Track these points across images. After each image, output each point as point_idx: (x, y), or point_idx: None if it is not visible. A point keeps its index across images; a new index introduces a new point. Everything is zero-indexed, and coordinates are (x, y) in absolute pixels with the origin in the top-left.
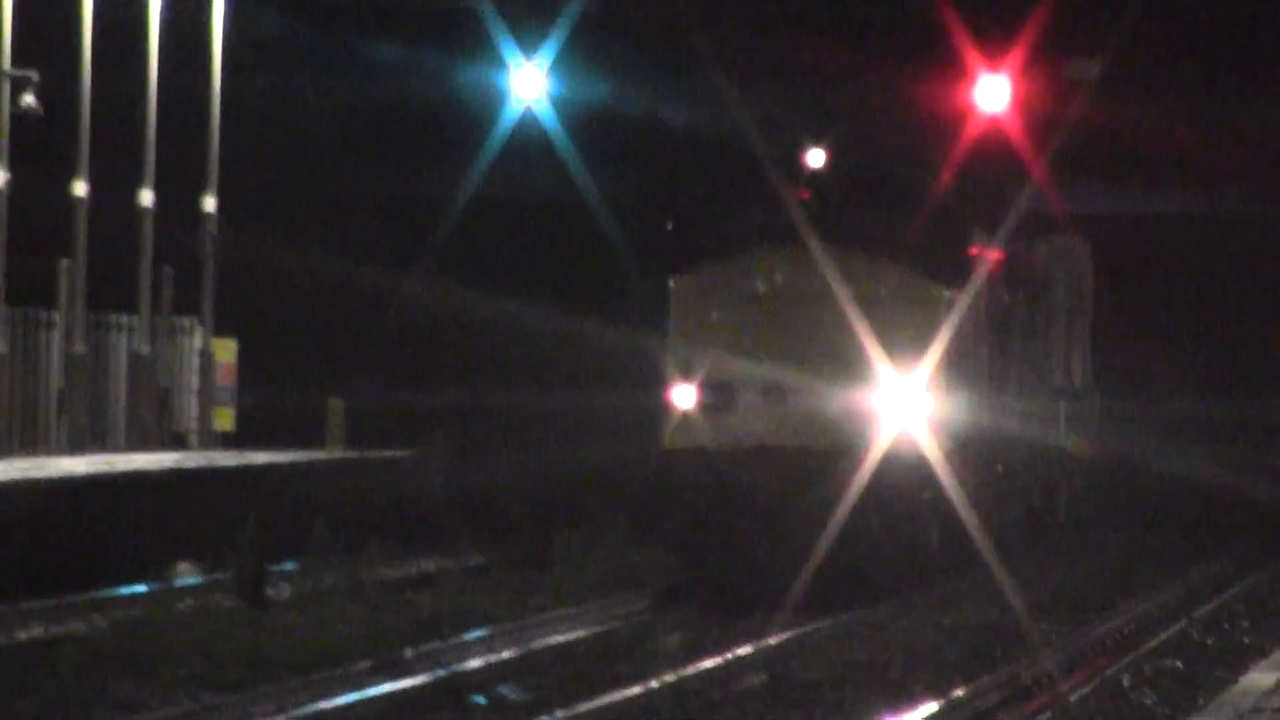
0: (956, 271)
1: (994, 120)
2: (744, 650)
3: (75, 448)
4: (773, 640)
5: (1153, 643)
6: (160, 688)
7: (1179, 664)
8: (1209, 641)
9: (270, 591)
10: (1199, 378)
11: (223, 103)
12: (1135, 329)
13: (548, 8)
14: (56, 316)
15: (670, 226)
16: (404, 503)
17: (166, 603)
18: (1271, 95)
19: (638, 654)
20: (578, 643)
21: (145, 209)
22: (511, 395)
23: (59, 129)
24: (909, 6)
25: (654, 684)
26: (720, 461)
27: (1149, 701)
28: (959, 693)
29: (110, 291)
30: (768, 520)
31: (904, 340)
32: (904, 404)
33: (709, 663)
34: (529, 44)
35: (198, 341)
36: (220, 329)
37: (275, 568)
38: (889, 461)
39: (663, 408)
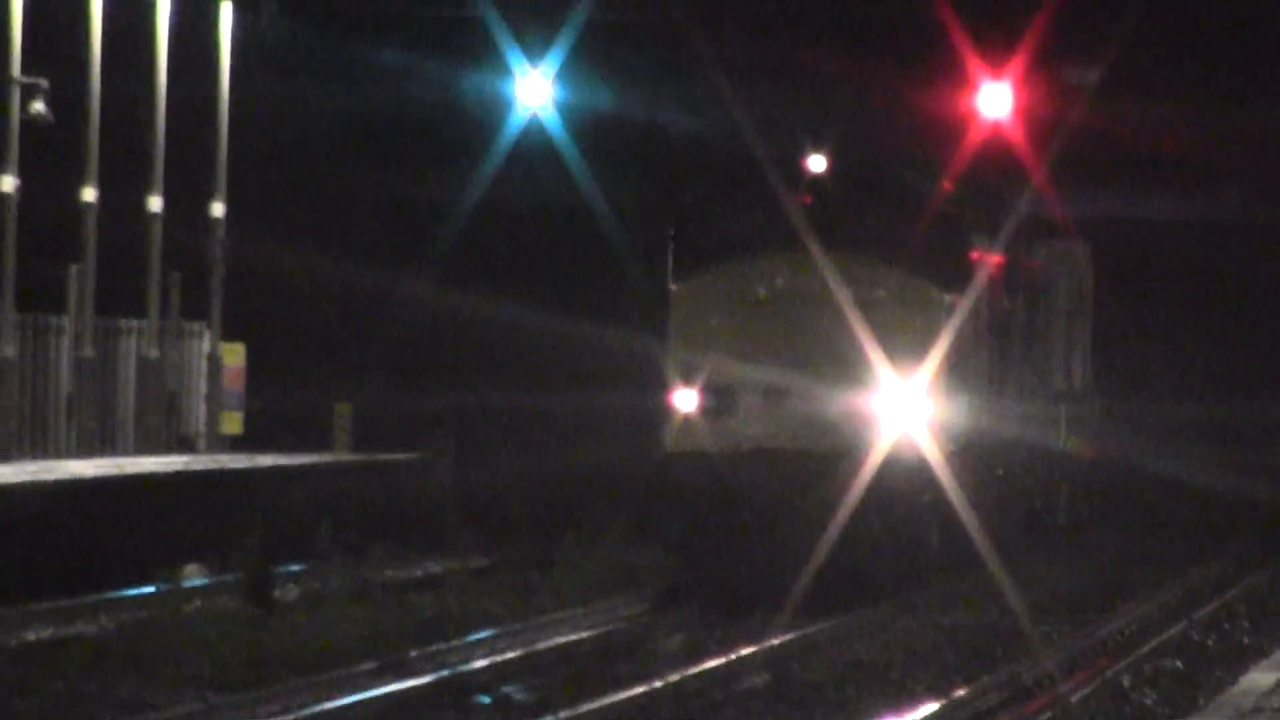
0: (957, 275)
1: (995, 126)
2: (746, 651)
3: (84, 451)
4: (774, 641)
5: (1153, 643)
6: (167, 688)
7: (1179, 664)
8: (1209, 642)
9: (276, 593)
10: (1199, 380)
11: (230, 109)
12: (1135, 332)
13: (553, 15)
14: (66, 321)
15: (671, 231)
16: (409, 505)
17: (173, 604)
18: (1269, 98)
19: (640, 655)
20: (580, 643)
21: (154, 214)
22: (515, 398)
23: (68, 135)
24: (910, 13)
25: (657, 684)
26: (721, 464)
27: (1149, 701)
28: (960, 693)
29: (119, 296)
30: (768, 523)
31: (904, 344)
32: (904, 407)
33: (711, 663)
34: (534, 51)
35: (205, 345)
36: (228, 333)
37: (281, 569)
38: (889, 464)
39: (664, 411)
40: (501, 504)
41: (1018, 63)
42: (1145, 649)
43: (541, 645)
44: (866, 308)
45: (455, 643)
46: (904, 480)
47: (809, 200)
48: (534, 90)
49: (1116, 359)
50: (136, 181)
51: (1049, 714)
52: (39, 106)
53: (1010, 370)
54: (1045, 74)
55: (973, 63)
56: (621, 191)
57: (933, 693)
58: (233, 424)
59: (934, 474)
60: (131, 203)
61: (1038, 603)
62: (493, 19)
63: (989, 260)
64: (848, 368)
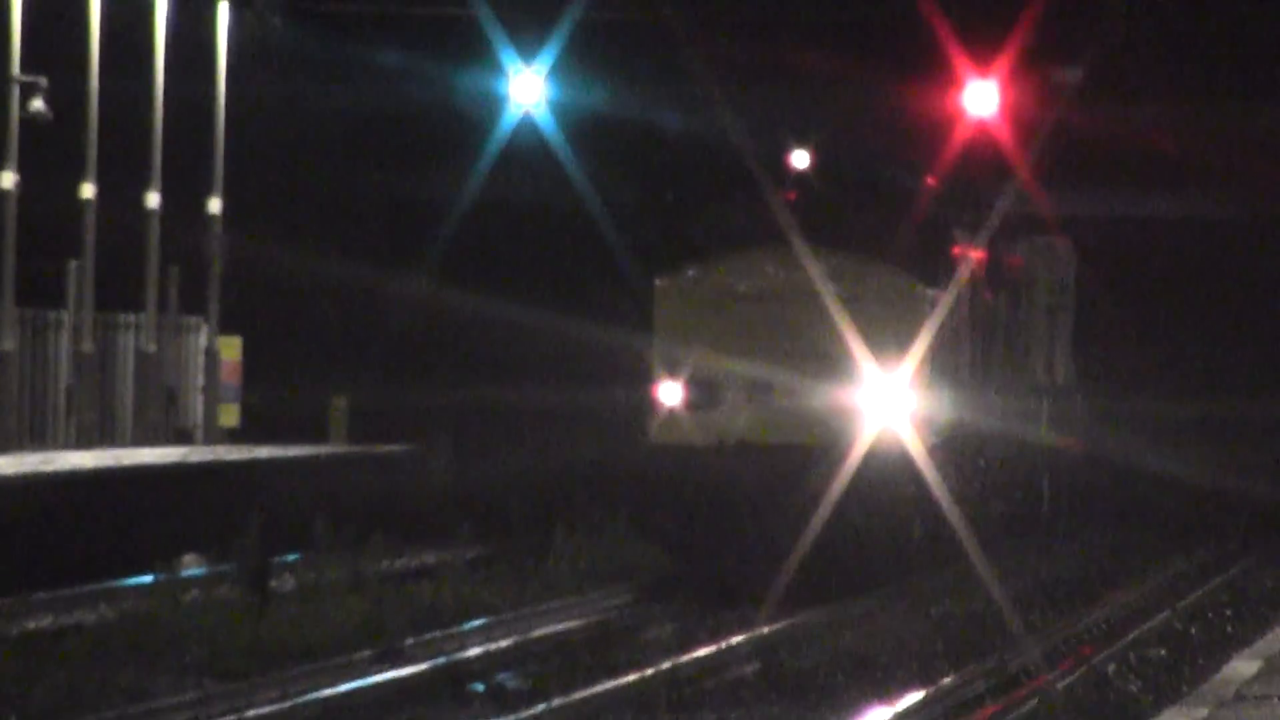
0: (940, 271)
1: (981, 124)
2: (736, 639)
3: (83, 443)
4: (764, 630)
5: (1137, 632)
6: (166, 676)
7: (1163, 653)
8: (1192, 631)
9: (274, 583)
10: (1181, 374)
11: (227, 107)
12: (1117, 327)
13: (546, 14)
14: (65, 316)
15: (655, 227)
16: (405, 497)
17: (173, 594)
18: (1252, 97)
19: (633, 643)
20: (574, 632)
21: (152, 211)
22: (509, 392)
23: (67, 133)
24: (896, 11)
25: (649, 672)
26: (706, 458)
27: (1134, 689)
28: (947, 681)
29: (118, 291)
30: (753, 516)
31: (887, 338)
32: (887, 401)
33: (702, 651)
34: (527, 50)
35: (203, 340)
36: (225, 328)
37: (279, 560)
38: (873, 457)
39: (648, 404)
40: (496, 496)
41: (1004, 61)
42: (1130, 638)
43: (535, 634)
44: (850, 302)
45: (451, 631)
46: (887, 473)
47: (793, 196)
48: (527, 89)
49: (1099, 353)
50: (135, 178)
51: (1035, 701)
52: (38, 104)
53: (992, 364)
54: (1031, 73)
55: (959, 61)
56: (614, 189)
57: (920, 681)
58: (230, 417)
59: (917, 466)
60: (130, 199)
61: (1023, 592)
62: (486, 18)
63: (971, 255)
64: (831, 362)
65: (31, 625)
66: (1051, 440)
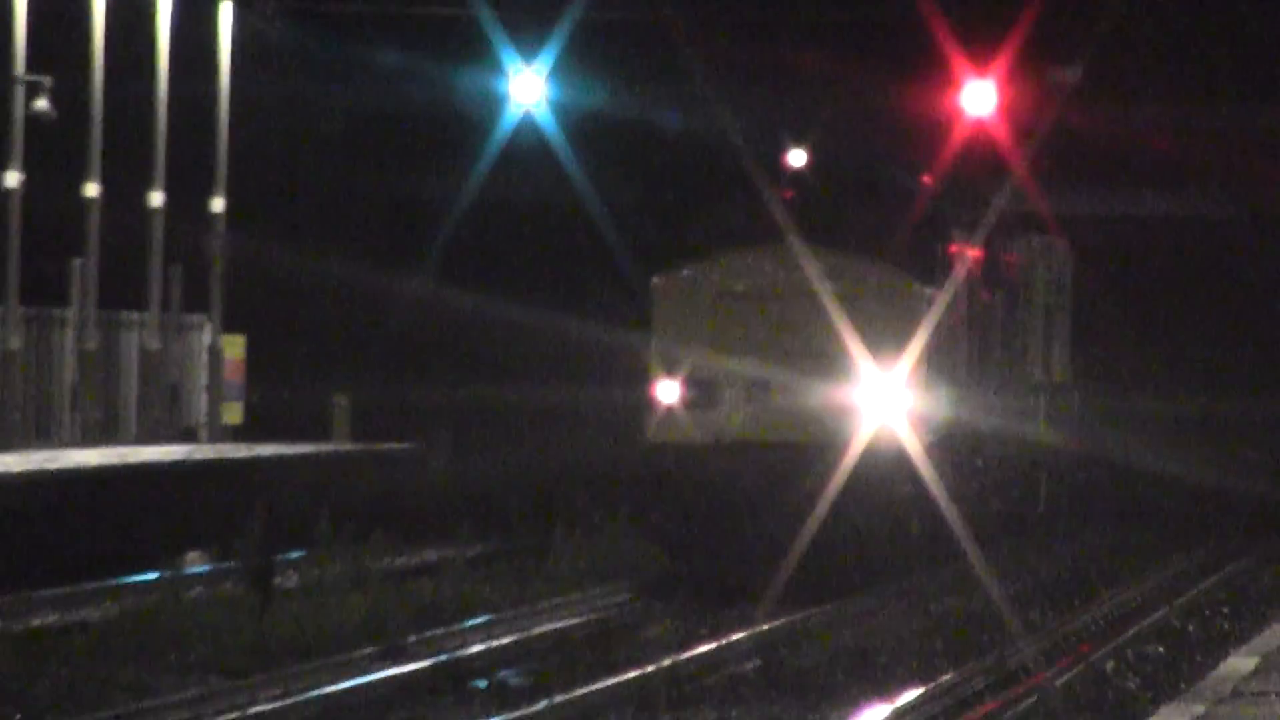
0: (937, 270)
1: (978, 123)
2: (736, 637)
3: (88, 441)
4: (764, 628)
5: (1135, 629)
6: (169, 673)
7: (1161, 650)
8: (1190, 628)
9: (277, 580)
10: (1178, 373)
11: (230, 107)
12: (1115, 326)
13: (546, 14)
14: (69, 314)
15: (653, 226)
16: (406, 494)
17: (176, 591)
18: (1247, 97)
19: (633, 640)
20: (575, 629)
21: (155, 210)
22: (509, 391)
23: (71, 132)
24: (895, 12)
25: (649, 669)
26: (703, 456)
27: (1132, 686)
28: (946, 678)
29: (121, 289)
30: (751, 514)
31: (884, 337)
32: (884, 399)
33: (702, 649)
34: (528, 49)
35: (206, 338)
36: (228, 326)
37: (282, 557)
38: (870, 455)
39: (646, 403)
40: (496, 494)
41: (1002, 61)
42: (1128, 635)
43: (536, 631)
44: (847, 301)
45: (452, 629)
46: (884, 471)
47: (790, 195)
48: (527, 88)
49: (1096, 352)
50: (138, 177)
51: (1034, 698)
52: (42, 104)
53: (989, 362)
54: (1029, 73)
55: (957, 61)
56: (612, 188)
57: (920, 678)
58: (233, 415)
59: (913, 465)
60: (133, 198)
61: (1021, 590)
62: (486, 18)
63: (968, 254)
64: (828, 360)
65: (36, 622)
66: (1048, 439)
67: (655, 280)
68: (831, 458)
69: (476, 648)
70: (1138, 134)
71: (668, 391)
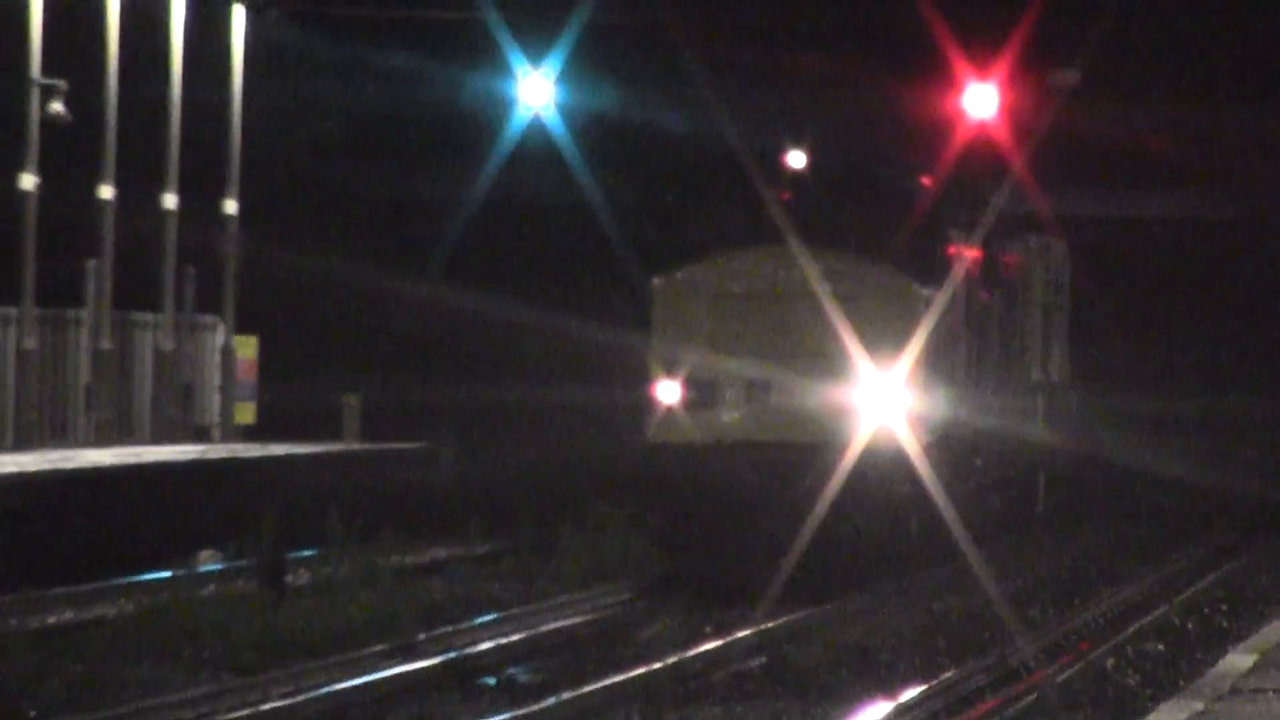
0: (935, 270)
1: (980, 126)
2: (740, 634)
3: (102, 440)
4: (767, 626)
5: (1135, 627)
6: (183, 670)
7: (1160, 647)
8: (1189, 626)
9: (288, 578)
10: (1177, 374)
11: (243, 110)
12: (1113, 326)
13: (554, 17)
14: (84, 315)
15: (654, 227)
16: (416, 493)
17: (189, 589)
18: (1246, 99)
19: (639, 638)
20: (582, 627)
21: (169, 211)
22: (516, 391)
23: (86, 135)
24: (897, 15)
25: (656, 666)
26: (703, 456)
27: (1131, 683)
28: (948, 675)
29: (135, 290)
30: (751, 513)
31: (883, 337)
32: (883, 399)
33: (707, 646)
34: (536, 52)
35: (220, 338)
36: (241, 327)
37: (293, 555)
38: (869, 455)
39: (646, 403)
40: (504, 493)
41: (1003, 64)
42: (1127, 633)
43: (544, 629)
44: (846, 302)
45: (461, 626)
46: (883, 471)
47: (789, 196)
48: (536, 91)
49: (1094, 352)
50: (152, 179)
51: (1035, 695)
52: (57, 107)
53: (987, 363)
54: (1030, 75)
55: (959, 64)
56: (614, 189)
57: (922, 675)
58: (246, 414)
59: (912, 464)
60: (148, 200)
61: (1021, 588)
62: (495, 21)
63: (967, 255)
64: (827, 361)
65: (51, 620)
66: (1047, 438)
67: (655, 281)
68: (831, 458)
69: (485, 645)
70: (1137, 135)
71: (668, 392)
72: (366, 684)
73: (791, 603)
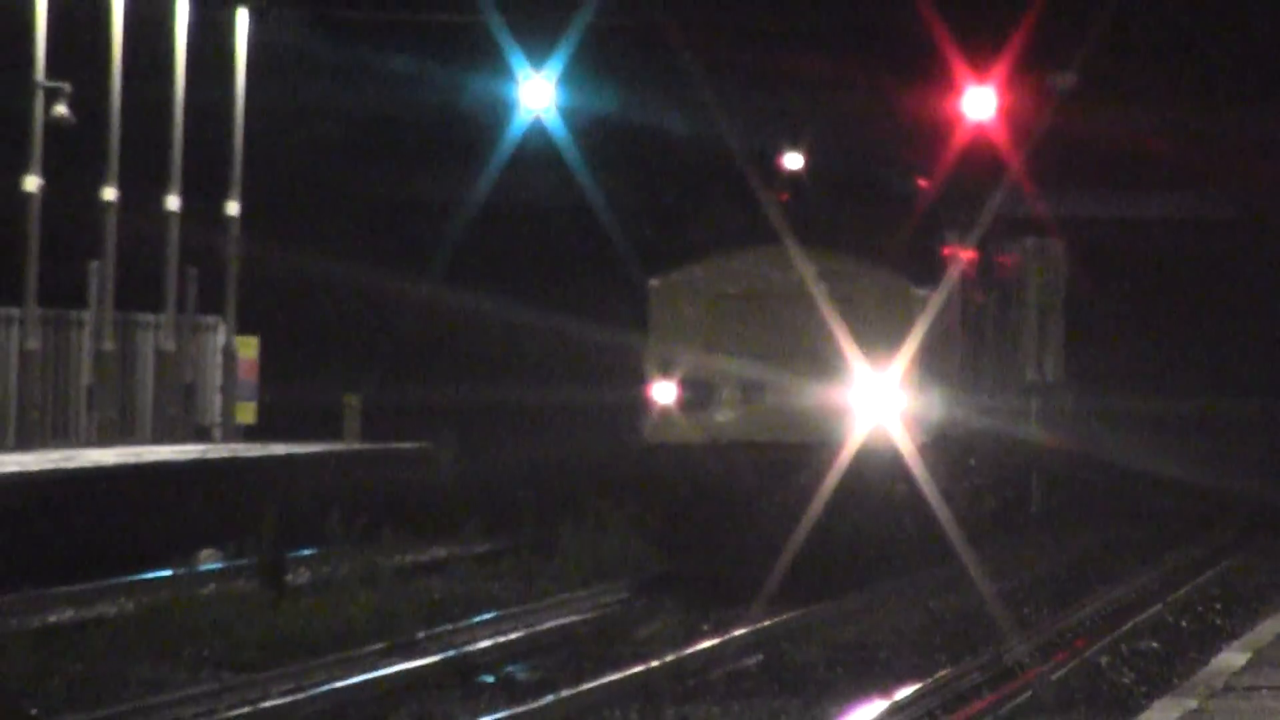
0: (931, 271)
1: (979, 128)
2: (738, 632)
3: (104, 440)
4: (765, 624)
5: (1129, 625)
6: (183, 668)
7: (1155, 645)
8: (1183, 624)
9: (289, 577)
10: (1171, 374)
11: (245, 112)
12: (1109, 327)
13: (555, 20)
14: (87, 315)
15: (650, 228)
16: (416, 493)
17: (190, 587)
18: (1242, 101)
19: (638, 636)
20: (581, 625)
21: (171, 213)
22: (515, 391)
23: (89, 137)
24: (897, 20)
25: (654, 664)
26: (699, 456)
27: (1126, 680)
28: (945, 673)
29: (138, 291)
30: (747, 513)
31: (879, 338)
32: (878, 400)
33: (705, 644)
34: (537, 55)
35: (221, 339)
36: (242, 327)
37: (294, 554)
38: (864, 456)
39: (643, 403)
40: (503, 492)
41: (1001, 66)
42: (1122, 630)
43: (543, 627)
44: (842, 302)
45: (461, 625)
46: (878, 471)
47: (786, 198)
48: (537, 93)
49: (1090, 353)
50: (155, 181)
51: (1031, 692)
52: (61, 109)
53: (983, 363)
54: (1028, 78)
55: (958, 67)
56: (620, 192)
57: (919, 673)
58: (247, 414)
59: (908, 465)
60: (150, 202)
61: (1017, 587)
62: (496, 24)
63: (963, 256)
64: (823, 361)
65: (52, 618)
66: (1042, 438)
67: (652, 282)
68: (826, 458)
69: (484, 643)
70: (1135, 136)
71: (664, 392)
72: (367, 682)
73: (789, 602)
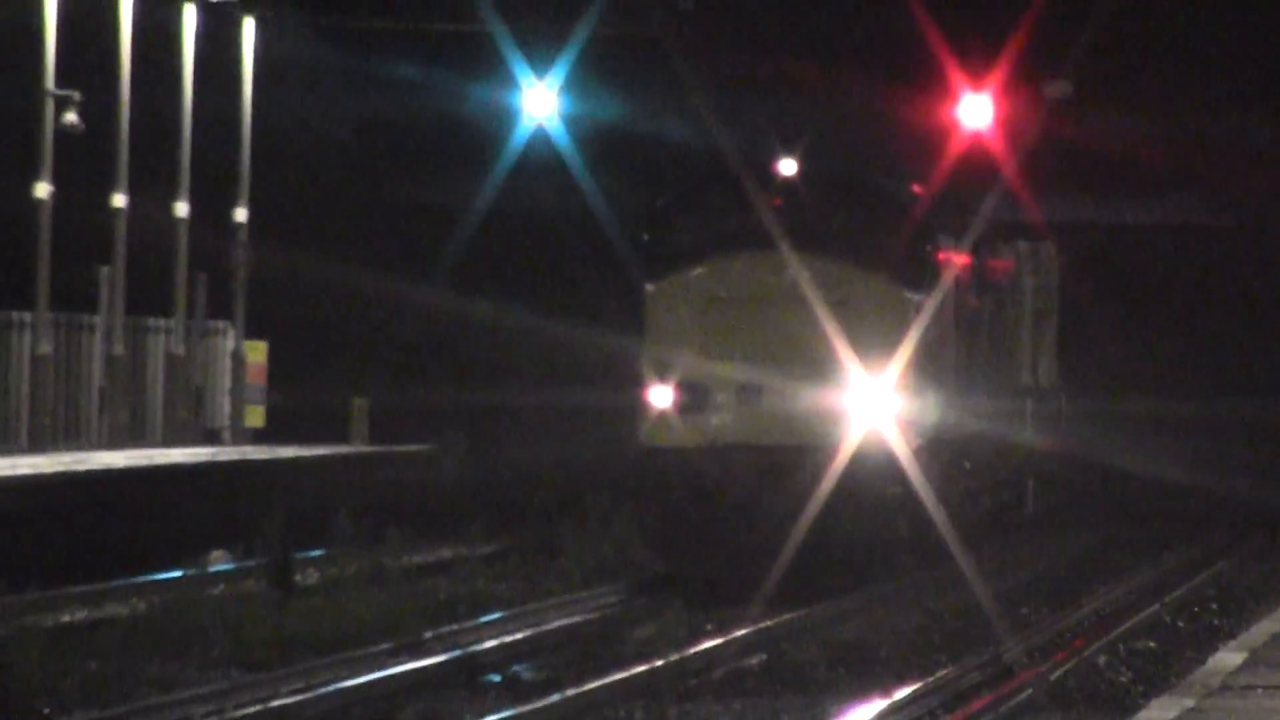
0: (924, 275)
1: (975, 135)
2: (739, 633)
3: (115, 443)
4: (766, 624)
5: (1127, 625)
6: (194, 667)
7: (1152, 645)
8: (1180, 624)
9: (297, 577)
10: (1165, 377)
11: (253, 120)
12: (1101, 330)
13: (559, 30)
14: (97, 320)
15: (646, 233)
16: (422, 494)
17: (200, 588)
18: (1233, 108)
19: (641, 636)
20: (586, 625)
21: (180, 219)
22: (521, 394)
23: (99, 145)
24: (895, 28)
25: (658, 663)
26: (695, 459)
27: (1124, 679)
28: (945, 672)
29: (148, 296)
30: (743, 515)
31: (873, 342)
32: (873, 403)
33: (708, 644)
34: (540, 64)
35: (230, 343)
36: (251, 332)
37: (302, 555)
38: (859, 459)
39: (639, 407)
40: (508, 494)
41: (998, 75)
42: (1119, 630)
43: (548, 627)
44: (836, 307)
45: (467, 624)
46: (873, 474)
47: (780, 202)
48: (540, 102)
49: (1084, 356)
50: (164, 188)
51: (1029, 691)
52: (71, 117)
53: (977, 367)
54: (1024, 86)
55: (954, 74)
56: (619, 197)
57: (917, 672)
58: (255, 418)
59: (902, 468)
60: (159, 208)
61: (1015, 588)
62: (500, 33)
63: (956, 260)
64: (818, 365)
65: (65, 618)
66: (1036, 441)
67: (648, 286)
68: (821, 461)
69: (490, 643)
70: (1128, 142)
71: (660, 395)
72: (374, 681)
73: (789, 602)
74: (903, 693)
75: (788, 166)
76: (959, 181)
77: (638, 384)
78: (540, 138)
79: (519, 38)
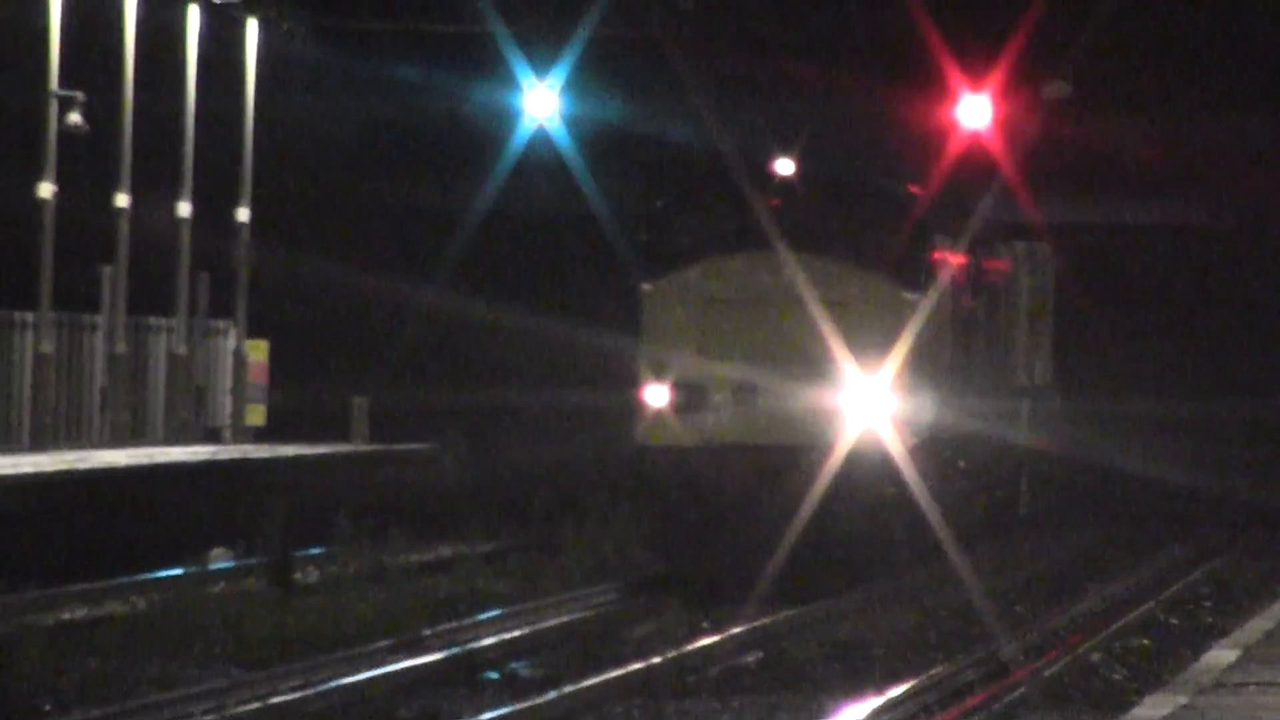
0: (920, 275)
1: (974, 135)
2: (736, 630)
3: (117, 441)
4: (763, 622)
5: (1121, 623)
6: (194, 665)
7: (1146, 642)
8: (1174, 621)
9: (297, 575)
10: (1160, 377)
11: (255, 120)
12: (1098, 330)
13: (560, 30)
14: (100, 319)
15: (643, 233)
16: (422, 493)
17: (201, 586)
18: (1232, 110)
19: (639, 633)
20: (583, 622)
21: (183, 219)
22: (519, 393)
23: (102, 145)
24: (894, 28)
25: (655, 660)
26: (692, 458)
27: (1118, 676)
28: (940, 670)
29: (150, 296)
30: (740, 514)
31: (869, 342)
32: (869, 403)
33: (705, 641)
34: (541, 65)
35: (231, 342)
36: (252, 331)
37: (302, 553)
38: (855, 458)
39: (635, 406)
40: (507, 493)
41: (997, 75)
42: (1114, 628)
43: (546, 624)
44: (832, 307)
45: (466, 622)
46: (869, 473)
47: (777, 203)
48: (541, 103)
49: (1079, 357)
50: (167, 188)
51: (1024, 688)
52: (75, 118)
53: (973, 367)
54: (1023, 86)
55: (953, 75)
56: (619, 197)
57: (913, 670)
58: (257, 416)
59: (897, 467)
60: (162, 208)
61: (1009, 587)
62: (501, 34)
63: (952, 260)
64: (814, 365)
65: (65, 616)
66: (1031, 441)
67: (644, 286)
68: (817, 460)
69: (489, 640)
70: (1126, 142)
71: (656, 395)
72: (373, 678)
73: (785, 601)
74: (898, 690)
75: (785, 166)
76: (956, 182)
77: (634, 384)
78: (541, 138)
79: (520, 39)
